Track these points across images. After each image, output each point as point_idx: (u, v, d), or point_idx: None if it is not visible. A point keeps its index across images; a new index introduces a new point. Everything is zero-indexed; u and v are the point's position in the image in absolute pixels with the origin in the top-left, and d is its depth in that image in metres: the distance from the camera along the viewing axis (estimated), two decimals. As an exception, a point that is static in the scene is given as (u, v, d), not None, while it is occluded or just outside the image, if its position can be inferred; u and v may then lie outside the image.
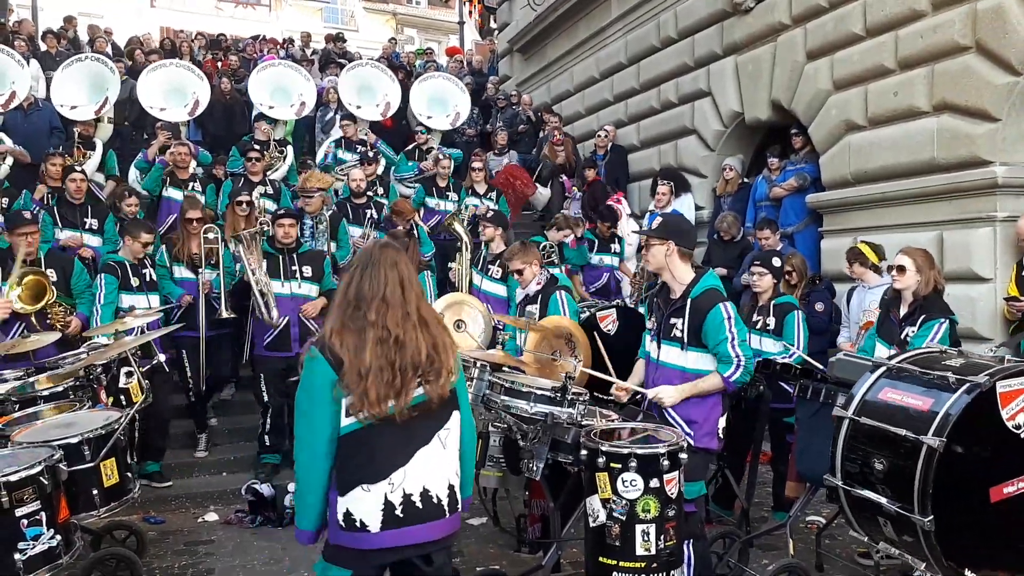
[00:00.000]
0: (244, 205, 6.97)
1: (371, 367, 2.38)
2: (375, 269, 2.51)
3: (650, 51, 10.11)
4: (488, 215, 7.11)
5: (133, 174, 8.52)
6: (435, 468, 2.50)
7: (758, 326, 5.26)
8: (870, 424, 3.18)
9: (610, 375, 4.00)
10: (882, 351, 4.46)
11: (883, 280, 5.40)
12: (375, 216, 7.95)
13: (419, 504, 2.46)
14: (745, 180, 8.60)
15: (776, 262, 5.43)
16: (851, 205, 7.02)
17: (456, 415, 2.60)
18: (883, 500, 3.09)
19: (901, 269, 4.50)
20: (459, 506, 2.61)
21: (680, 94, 9.56)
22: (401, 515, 2.43)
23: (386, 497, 2.41)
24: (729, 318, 3.66)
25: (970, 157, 5.94)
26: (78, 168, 7.48)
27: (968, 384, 2.97)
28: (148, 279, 6.13)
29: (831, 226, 7.30)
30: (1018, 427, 3.00)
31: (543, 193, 10.33)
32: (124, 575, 4.32)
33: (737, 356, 3.64)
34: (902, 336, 4.45)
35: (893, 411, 3.14)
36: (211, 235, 6.39)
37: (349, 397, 2.40)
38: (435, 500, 2.49)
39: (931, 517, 2.90)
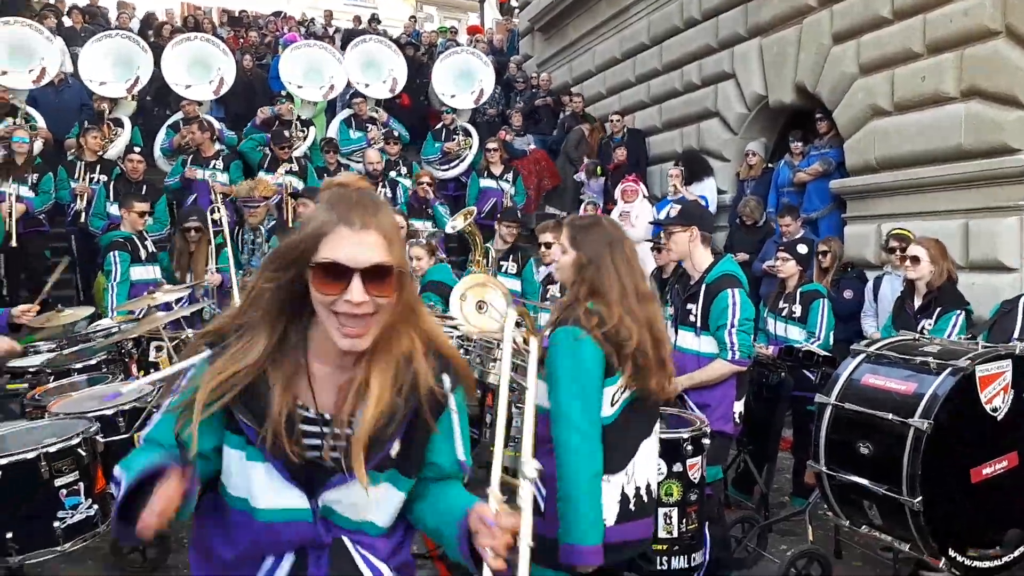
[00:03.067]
0: (193, 232, 6.48)
1: (643, 349, 2.34)
2: (620, 248, 2.47)
3: (673, 32, 10.04)
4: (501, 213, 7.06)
5: (159, 155, 8.65)
6: (651, 461, 2.46)
7: (783, 313, 5.26)
8: (854, 410, 3.27)
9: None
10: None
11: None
12: (389, 195, 7.98)
13: (644, 498, 2.42)
14: (769, 165, 8.55)
15: (801, 249, 5.41)
16: (876, 191, 6.98)
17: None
18: (868, 483, 3.18)
19: (915, 260, 4.50)
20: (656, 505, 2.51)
21: (703, 76, 9.49)
22: (633, 508, 2.37)
23: (623, 489, 2.36)
24: (734, 304, 3.65)
25: (998, 144, 5.88)
26: (136, 149, 7.68)
27: (951, 367, 3.08)
28: (150, 250, 6.29)
29: (855, 212, 7.26)
30: (995, 410, 3.14)
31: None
32: (153, 545, 4.43)
33: (732, 343, 3.64)
34: (918, 328, 4.45)
35: (877, 396, 3.24)
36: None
37: (621, 379, 2.35)
38: (652, 494, 2.45)
39: (919, 498, 2.99)
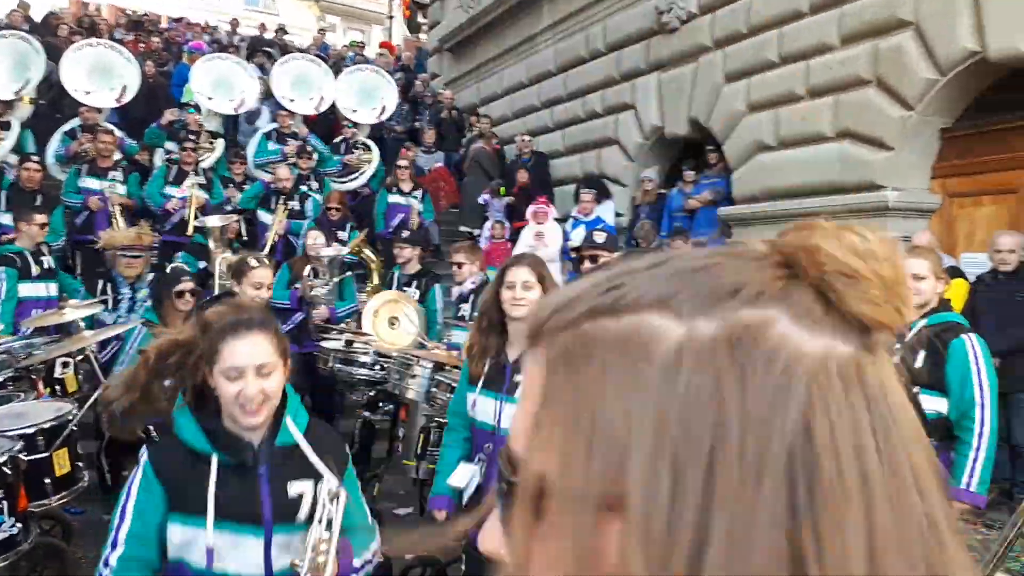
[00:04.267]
0: (188, 296, 4.79)
1: None
2: None
3: (578, 61, 10.50)
4: (405, 235, 6.76)
5: (51, 161, 8.35)
6: None
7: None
8: None
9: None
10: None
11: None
12: (297, 208, 8.01)
13: None
14: (662, 191, 9.08)
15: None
16: (759, 219, 7.57)
17: None
18: None
19: None
20: None
21: (605, 105, 9.98)
22: None
23: None
24: None
25: (867, 181, 6.54)
26: (34, 158, 7.35)
27: None
28: (46, 266, 6.00)
29: (740, 238, 7.79)
30: None
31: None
32: (53, 564, 4.34)
33: None
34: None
35: None
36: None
37: None
38: None
39: None
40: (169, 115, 9.30)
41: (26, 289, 5.81)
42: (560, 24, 10.91)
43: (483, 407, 2.89)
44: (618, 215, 9.46)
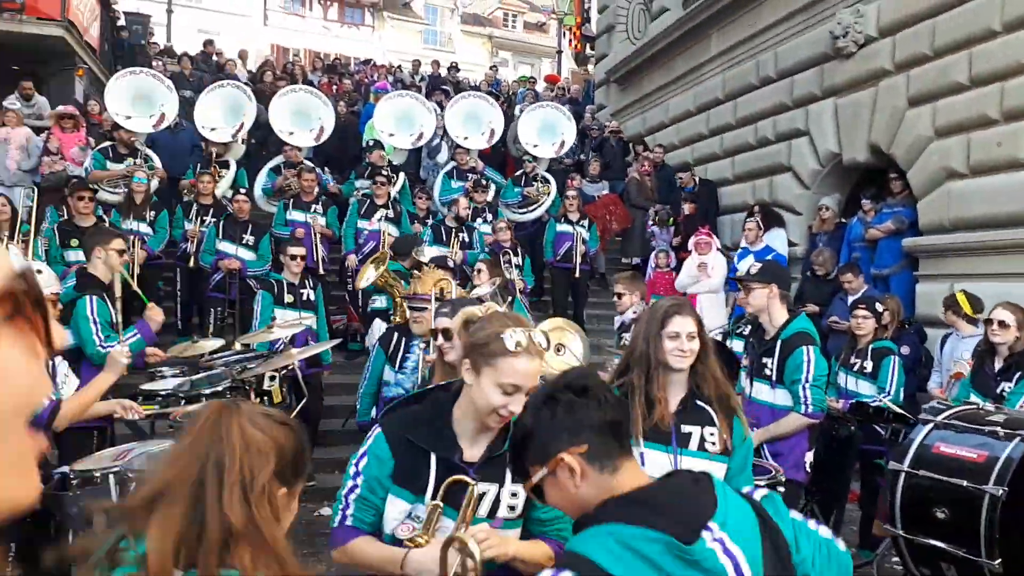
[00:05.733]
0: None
1: None
2: None
3: (748, 89, 10.36)
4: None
5: (259, 194, 9.36)
6: None
7: (855, 368, 5.44)
8: (928, 476, 3.45)
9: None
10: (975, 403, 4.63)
11: (976, 331, 5.49)
12: (466, 240, 8.47)
13: None
14: (841, 220, 8.74)
15: (879, 307, 5.57)
16: (948, 251, 7.12)
17: None
18: (946, 546, 3.35)
19: (1003, 324, 4.58)
20: None
21: (777, 132, 9.76)
22: None
23: None
24: (809, 360, 3.91)
25: (1072, 211, 6.02)
26: (242, 190, 8.29)
27: (1019, 439, 3.26)
28: (305, 298, 6.55)
29: (926, 271, 7.41)
30: None
31: None
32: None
33: (806, 397, 3.89)
34: (997, 391, 4.56)
35: (949, 463, 3.42)
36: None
37: None
38: None
39: (999, 560, 3.16)
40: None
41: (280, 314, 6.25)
42: (729, 52, 10.82)
43: (653, 460, 2.61)
44: (792, 244, 9.20)
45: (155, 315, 4.50)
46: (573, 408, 1.51)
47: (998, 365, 4.65)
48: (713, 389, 2.69)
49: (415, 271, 6.02)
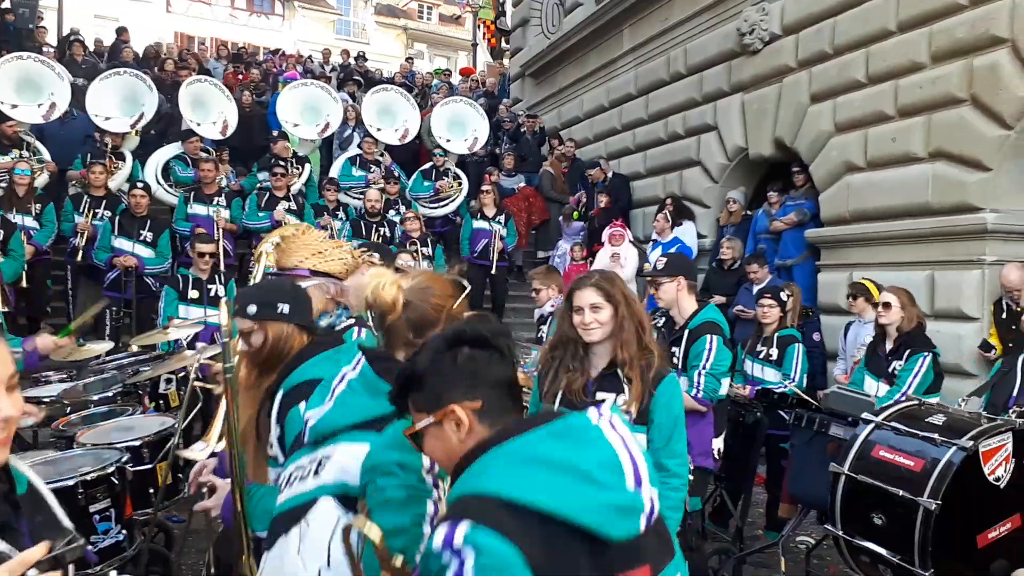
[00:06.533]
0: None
1: None
2: None
3: (659, 84, 10.50)
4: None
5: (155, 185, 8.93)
6: None
7: (761, 356, 5.58)
8: (867, 482, 3.47)
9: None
10: (871, 384, 4.81)
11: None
12: (387, 235, 8.27)
13: None
14: (747, 212, 8.96)
15: (784, 296, 5.72)
16: (848, 242, 7.38)
17: None
18: (884, 551, 3.38)
19: (887, 306, 4.81)
20: None
21: (687, 127, 9.93)
22: None
23: None
24: (710, 350, 3.95)
25: (962, 203, 6.29)
26: (139, 184, 7.84)
27: (955, 448, 3.28)
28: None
29: (828, 260, 7.66)
30: (998, 479, 3.33)
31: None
32: (157, 570, 4.61)
33: (698, 383, 3.92)
34: (889, 369, 4.77)
35: (887, 470, 3.43)
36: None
37: None
38: None
39: (931, 571, 3.20)
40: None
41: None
42: (640, 48, 10.95)
43: None
44: (701, 236, 9.38)
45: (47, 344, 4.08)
46: (475, 360, 1.44)
47: (889, 346, 4.84)
48: (626, 357, 2.73)
49: None
